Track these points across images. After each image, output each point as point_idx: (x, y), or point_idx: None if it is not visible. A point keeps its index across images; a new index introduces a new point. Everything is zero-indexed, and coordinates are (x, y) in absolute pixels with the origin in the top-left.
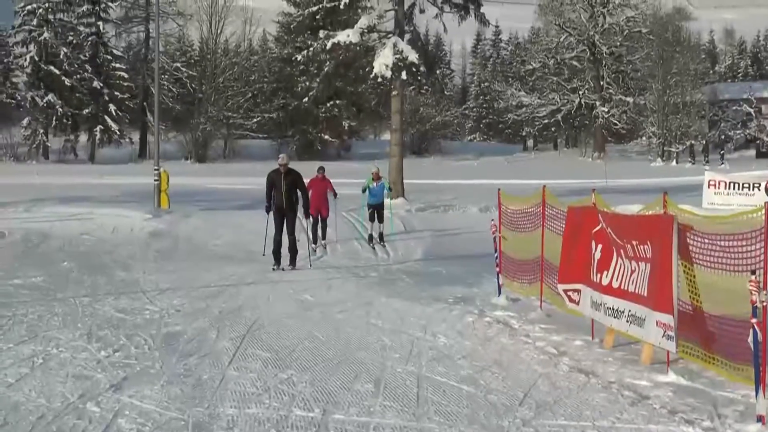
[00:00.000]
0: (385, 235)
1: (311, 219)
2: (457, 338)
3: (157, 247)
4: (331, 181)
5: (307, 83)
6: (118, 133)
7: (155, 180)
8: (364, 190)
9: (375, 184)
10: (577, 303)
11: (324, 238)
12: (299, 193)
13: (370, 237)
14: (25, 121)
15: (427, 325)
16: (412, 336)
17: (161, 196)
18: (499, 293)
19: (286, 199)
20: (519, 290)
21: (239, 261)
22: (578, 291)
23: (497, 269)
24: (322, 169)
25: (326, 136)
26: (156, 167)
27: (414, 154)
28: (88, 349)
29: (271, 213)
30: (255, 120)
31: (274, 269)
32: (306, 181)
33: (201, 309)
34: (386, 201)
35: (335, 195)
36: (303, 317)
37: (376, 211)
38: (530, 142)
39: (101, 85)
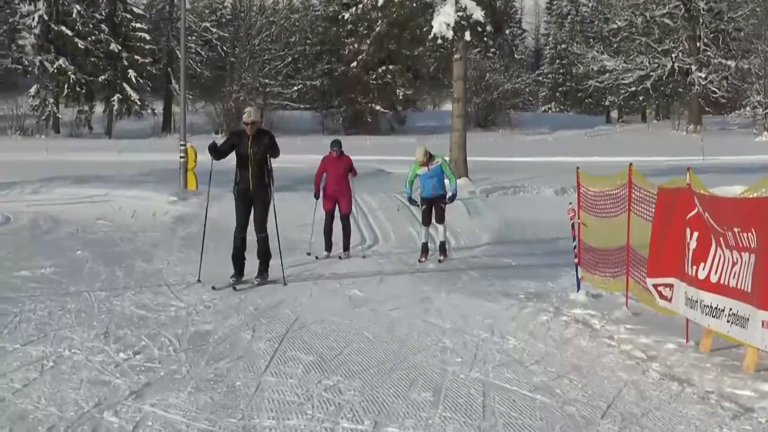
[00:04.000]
0: (448, 245)
1: (316, 209)
2: (529, 340)
3: (183, 234)
4: (378, 158)
5: (356, 45)
6: (138, 103)
7: (181, 157)
8: (410, 183)
9: (426, 169)
10: (669, 300)
11: (347, 247)
12: (271, 163)
13: (424, 248)
14: (32, 90)
15: (494, 324)
16: (477, 337)
17: (188, 176)
18: (578, 288)
19: (255, 175)
20: (601, 285)
21: (276, 251)
22: (670, 286)
23: (575, 261)
24: (338, 143)
25: (377, 107)
26: (182, 142)
27: (479, 127)
28: (105, 351)
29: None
30: (295, 88)
31: (232, 281)
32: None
33: (234, 305)
34: (448, 184)
35: (354, 174)
36: (351, 315)
37: (433, 208)
38: (614, 114)
39: (119, 47)
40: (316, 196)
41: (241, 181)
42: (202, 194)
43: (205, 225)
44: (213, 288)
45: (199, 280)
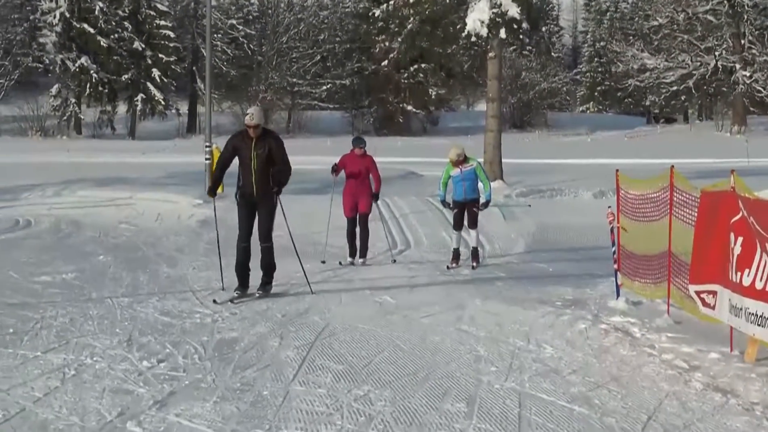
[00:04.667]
0: (481, 250)
1: (331, 211)
2: (567, 349)
3: (209, 238)
4: (412, 160)
5: (387, 43)
6: (162, 103)
7: (206, 159)
8: (444, 184)
9: (458, 170)
10: (713, 307)
11: (364, 254)
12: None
13: (455, 254)
14: (54, 89)
15: (530, 332)
16: (513, 346)
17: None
18: (618, 295)
19: (259, 180)
20: (641, 292)
21: (305, 255)
22: (714, 293)
23: (615, 267)
24: (360, 140)
25: (409, 107)
26: (207, 143)
27: (514, 128)
28: (128, 359)
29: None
30: (324, 88)
31: (236, 296)
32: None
33: (261, 312)
34: (481, 188)
35: (377, 185)
36: (382, 322)
37: (467, 211)
38: (655, 114)
39: (143, 46)
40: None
41: (244, 186)
42: (228, 196)
43: (217, 230)
44: (214, 302)
45: (223, 288)
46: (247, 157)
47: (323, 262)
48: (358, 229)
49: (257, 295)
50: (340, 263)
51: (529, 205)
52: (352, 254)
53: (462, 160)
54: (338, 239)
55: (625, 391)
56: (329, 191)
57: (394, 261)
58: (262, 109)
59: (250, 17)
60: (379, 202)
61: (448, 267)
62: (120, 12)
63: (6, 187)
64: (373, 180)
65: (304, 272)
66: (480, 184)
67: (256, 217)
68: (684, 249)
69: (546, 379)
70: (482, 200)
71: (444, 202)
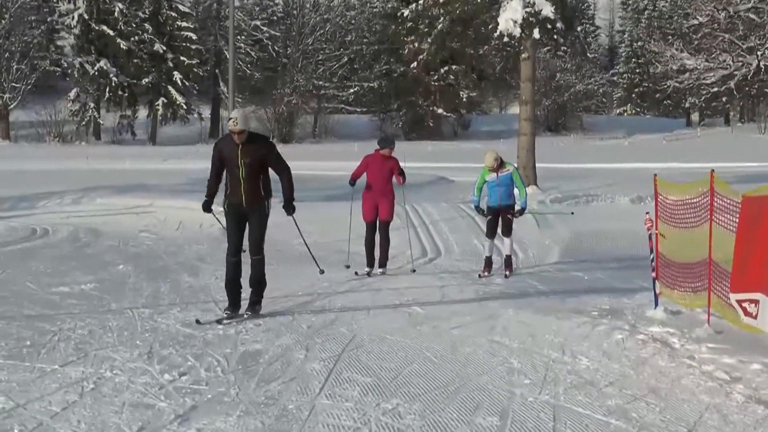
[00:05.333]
0: (515, 259)
1: (352, 216)
2: (603, 360)
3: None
4: (441, 165)
5: (417, 44)
6: (184, 107)
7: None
8: (479, 189)
9: (494, 175)
10: (755, 317)
11: (383, 264)
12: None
13: (487, 262)
14: (72, 93)
15: (565, 343)
16: (547, 357)
17: None
18: (656, 304)
19: (248, 189)
20: (681, 301)
21: (331, 264)
22: (756, 302)
23: (653, 275)
24: (387, 141)
25: (440, 110)
26: None
27: (549, 131)
28: (148, 372)
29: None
30: (351, 91)
31: (226, 316)
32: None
33: (286, 323)
34: (517, 194)
35: (402, 180)
36: (411, 333)
37: (500, 218)
38: (695, 116)
39: (164, 48)
40: (352, 183)
41: (232, 195)
42: None
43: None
44: (197, 322)
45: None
46: (234, 165)
47: (348, 266)
48: (378, 238)
49: (245, 316)
50: (356, 273)
51: (572, 213)
52: (370, 264)
53: (499, 164)
54: (361, 246)
55: (664, 404)
56: (354, 197)
57: (413, 270)
58: (247, 112)
59: (275, 18)
60: (406, 206)
61: (479, 276)
62: (140, 13)
63: (23, 194)
64: (396, 178)
65: (310, 251)
66: (515, 190)
67: (246, 229)
68: (725, 256)
69: (581, 392)
70: (517, 207)
71: (478, 208)
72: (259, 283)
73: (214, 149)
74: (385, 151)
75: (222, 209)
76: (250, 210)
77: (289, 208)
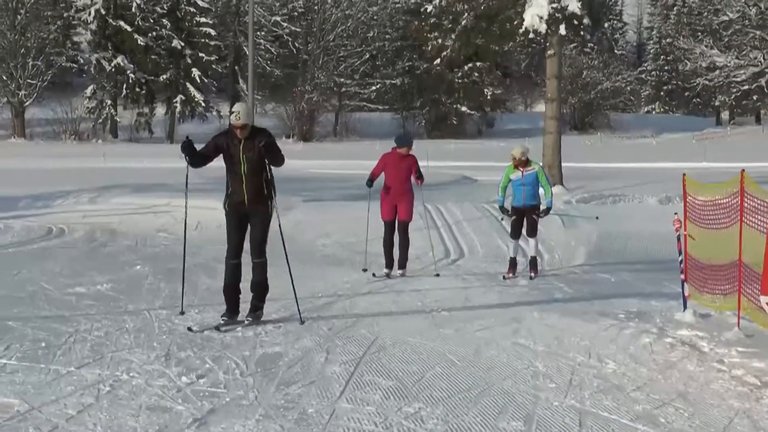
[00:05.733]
0: (540, 260)
1: (369, 216)
2: (630, 364)
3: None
4: (462, 164)
5: (440, 41)
6: (203, 104)
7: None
8: (503, 189)
9: (519, 173)
10: None
11: (403, 265)
12: (271, 170)
13: (512, 263)
14: (88, 91)
15: (591, 347)
16: (572, 361)
17: None
18: (685, 307)
19: (250, 187)
20: (710, 304)
21: (353, 265)
22: None
23: (682, 277)
24: (404, 139)
25: (464, 108)
26: None
27: (575, 130)
28: (165, 375)
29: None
30: (374, 88)
31: (222, 322)
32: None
33: (306, 325)
34: (542, 194)
35: (420, 181)
36: (433, 336)
37: (525, 219)
38: (725, 115)
39: (182, 44)
40: (369, 184)
41: (234, 194)
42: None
43: (185, 245)
44: (189, 329)
45: (182, 312)
46: (235, 161)
47: (365, 270)
48: (397, 238)
49: (246, 322)
50: (373, 275)
51: (597, 218)
52: (389, 265)
53: (525, 161)
54: (371, 248)
55: (693, 409)
56: (372, 197)
57: (437, 275)
58: (250, 107)
59: (295, 14)
60: (427, 205)
61: (504, 277)
62: (158, 9)
63: (38, 193)
64: (414, 179)
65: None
66: (541, 190)
67: (248, 230)
68: (756, 258)
69: (608, 396)
70: (543, 207)
71: (502, 208)
72: (261, 288)
73: (211, 140)
74: (403, 149)
75: (223, 208)
76: (253, 210)
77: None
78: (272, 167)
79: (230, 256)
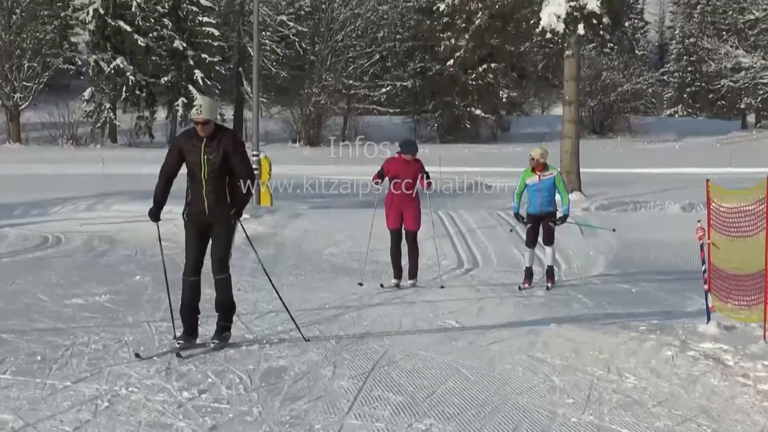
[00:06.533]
0: (557, 269)
1: (373, 227)
2: (651, 378)
3: (255, 257)
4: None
5: (453, 41)
6: None
7: (254, 169)
8: (519, 195)
9: (536, 178)
10: None
11: (414, 275)
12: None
13: (528, 273)
14: (86, 93)
15: (611, 360)
16: (591, 375)
17: (262, 190)
18: (708, 319)
19: (212, 193)
20: (734, 315)
21: (362, 275)
22: None
23: (705, 287)
24: (410, 146)
25: (478, 111)
26: (254, 152)
27: (594, 134)
28: (166, 389)
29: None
30: (384, 90)
31: (179, 346)
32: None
33: (312, 338)
34: (559, 200)
35: (428, 185)
36: (446, 349)
37: (541, 226)
38: (751, 118)
39: (184, 45)
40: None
41: (193, 202)
42: (278, 211)
43: (163, 259)
44: (136, 356)
45: (175, 337)
46: (195, 163)
47: (360, 284)
48: (405, 248)
49: (212, 345)
50: (381, 285)
51: (614, 230)
52: (398, 275)
53: (543, 165)
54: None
55: (716, 426)
56: (377, 205)
57: (442, 287)
58: (214, 101)
59: (302, 13)
60: (439, 213)
61: (519, 288)
62: (159, 8)
63: (34, 200)
64: (421, 183)
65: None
66: (557, 196)
67: (209, 243)
68: None
69: (628, 412)
70: (559, 214)
71: (518, 216)
72: (226, 306)
73: (172, 146)
74: (408, 156)
75: (183, 218)
76: (215, 220)
77: (237, 216)
78: (240, 179)
79: (188, 273)
